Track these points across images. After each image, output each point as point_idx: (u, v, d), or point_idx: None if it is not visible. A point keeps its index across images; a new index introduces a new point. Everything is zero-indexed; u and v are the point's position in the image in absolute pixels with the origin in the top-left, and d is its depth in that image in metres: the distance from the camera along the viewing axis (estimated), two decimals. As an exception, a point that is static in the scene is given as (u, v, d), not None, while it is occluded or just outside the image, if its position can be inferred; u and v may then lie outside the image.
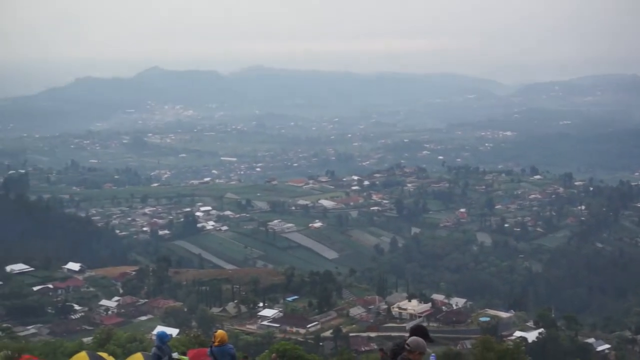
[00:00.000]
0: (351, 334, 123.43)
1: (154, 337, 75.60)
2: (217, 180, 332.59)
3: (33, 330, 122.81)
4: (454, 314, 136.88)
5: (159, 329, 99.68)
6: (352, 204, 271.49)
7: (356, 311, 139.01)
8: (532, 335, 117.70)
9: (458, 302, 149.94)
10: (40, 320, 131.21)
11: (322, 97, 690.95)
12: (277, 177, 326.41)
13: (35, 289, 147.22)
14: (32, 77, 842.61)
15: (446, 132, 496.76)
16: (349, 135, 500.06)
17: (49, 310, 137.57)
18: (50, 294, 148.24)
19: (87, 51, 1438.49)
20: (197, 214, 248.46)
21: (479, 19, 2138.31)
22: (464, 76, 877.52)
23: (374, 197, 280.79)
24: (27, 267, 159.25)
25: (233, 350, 19.82)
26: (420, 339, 12.11)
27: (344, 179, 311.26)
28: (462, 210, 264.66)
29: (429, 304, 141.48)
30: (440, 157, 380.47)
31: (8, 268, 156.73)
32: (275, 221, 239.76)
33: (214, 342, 19.65)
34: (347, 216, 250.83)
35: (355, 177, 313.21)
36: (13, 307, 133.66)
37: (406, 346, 11.99)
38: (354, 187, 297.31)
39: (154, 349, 19.73)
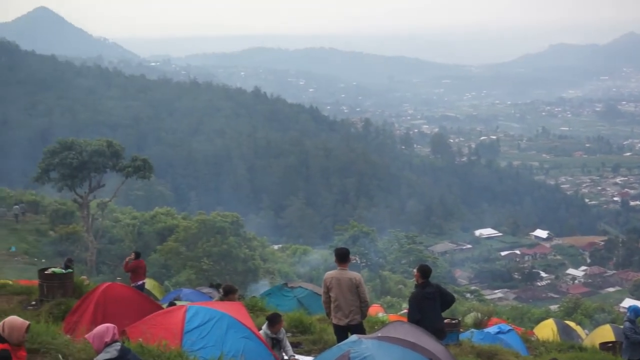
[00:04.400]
0: None
1: (623, 310, 72.79)
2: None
3: (500, 295, 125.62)
4: None
5: (628, 301, 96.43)
6: None
7: None
8: None
9: None
10: (507, 285, 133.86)
11: None
12: None
13: (502, 254, 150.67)
14: (508, 43, 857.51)
15: None
16: None
17: (516, 276, 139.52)
18: (517, 259, 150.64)
19: (561, 16, 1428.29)
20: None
21: None
22: None
23: None
24: (495, 232, 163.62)
25: None
26: None
27: None
28: None
29: None
30: None
31: (477, 232, 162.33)
32: None
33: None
34: None
35: None
36: (481, 271, 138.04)
37: None
38: None
39: (626, 324, 18.51)
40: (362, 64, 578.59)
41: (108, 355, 9.16)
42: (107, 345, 9.23)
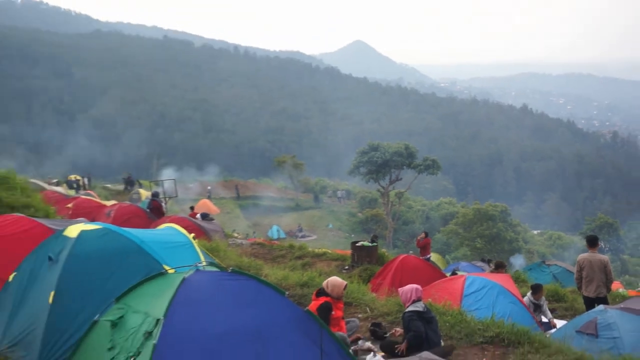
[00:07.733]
0: None
1: None
2: None
3: None
4: None
5: None
6: None
7: None
8: None
9: None
10: None
11: None
12: None
13: None
14: None
15: None
16: None
17: None
18: None
19: None
20: None
21: None
22: None
23: None
24: None
25: None
26: None
27: None
28: None
29: None
30: None
31: None
32: None
33: None
34: None
35: None
36: None
37: None
38: None
39: None
40: (614, 87, 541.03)
41: (416, 309, 9.33)
42: (414, 301, 9.48)
